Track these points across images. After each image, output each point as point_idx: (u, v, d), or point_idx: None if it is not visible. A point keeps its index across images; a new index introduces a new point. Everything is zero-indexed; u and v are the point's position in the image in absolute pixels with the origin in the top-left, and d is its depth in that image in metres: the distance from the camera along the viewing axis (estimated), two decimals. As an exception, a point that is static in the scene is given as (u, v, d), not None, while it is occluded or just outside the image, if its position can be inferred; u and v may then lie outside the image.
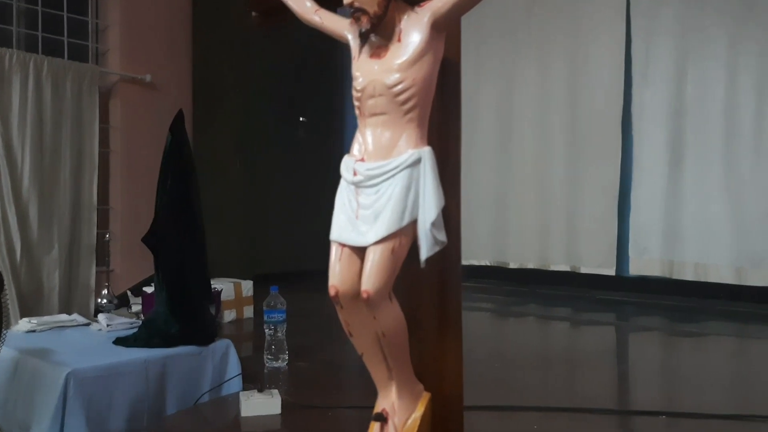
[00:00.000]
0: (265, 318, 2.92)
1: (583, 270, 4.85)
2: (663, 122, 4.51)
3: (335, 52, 5.80)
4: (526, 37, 5.04)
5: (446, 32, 1.51)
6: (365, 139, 1.51)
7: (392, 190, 1.44)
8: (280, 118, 5.25)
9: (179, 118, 2.62)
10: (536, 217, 5.01)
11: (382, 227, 1.42)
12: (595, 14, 4.76)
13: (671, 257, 4.46)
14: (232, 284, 3.94)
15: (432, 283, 1.57)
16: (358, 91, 1.52)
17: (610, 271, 4.71)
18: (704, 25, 4.36)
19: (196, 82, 5.11)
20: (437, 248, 1.45)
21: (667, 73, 4.49)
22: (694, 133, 4.41)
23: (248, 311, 4.01)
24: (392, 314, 1.46)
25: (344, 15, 1.56)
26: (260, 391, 2.33)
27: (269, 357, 2.90)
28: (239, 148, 5.09)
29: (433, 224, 1.44)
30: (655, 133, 4.54)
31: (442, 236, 1.46)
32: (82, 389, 2.12)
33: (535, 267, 5.06)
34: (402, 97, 1.46)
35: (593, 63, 4.77)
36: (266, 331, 2.92)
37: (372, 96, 1.49)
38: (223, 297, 3.78)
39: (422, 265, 1.44)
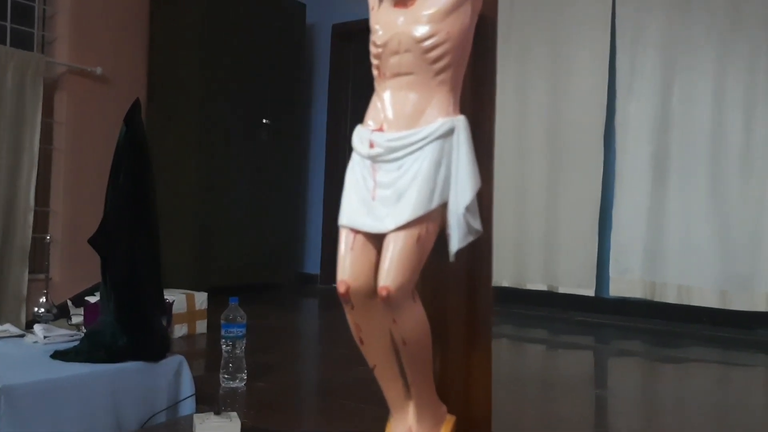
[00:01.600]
0: (223, 332, 2.62)
1: (561, 290, 4.67)
2: (647, 137, 4.38)
3: (302, 48, 5.59)
4: (505, 47, 4.88)
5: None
6: (384, 105, 1.25)
7: (419, 166, 1.19)
8: (242, 118, 5.01)
9: (135, 108, 2.37)
10: (513, 233, 4.80)
11: (406, 210, 1.17)
12: (578, 25, 4.62)
13: (653, 278, 4.32)
14: (184, 296, 3.60)
15: (460, 282, 1.31)
16: (378, 46, 1.26)
17: (590, 292, 4.54)
18: (691, 37, 4.26)
19: (151, 76, 4.84)
20: (471, 238, 1.22)
21: (652, 87, 4.37)
22: (680, 148, 4.30)
23: (201, 326, 3.68)
24: (415, 317, 1.19)
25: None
26: (217, 413, 2.05)
27: (226, 376, 2.61)
28: (196, 149, 4.80)
29: (468, 209, 1.20)
30: (638, 148, 4.41)
31: (477, 224, 1.23)
32: (14, 408, 1.86)
33: (511, 285, 4.84)
34: (433, 54, 1.22)
35: (576, 75, 4.62)
36: (223, 347, 2.62)
37: (396, 52, 1.24)
38: (173, 310, 3.47)
39: (451, 258, 1.20)
